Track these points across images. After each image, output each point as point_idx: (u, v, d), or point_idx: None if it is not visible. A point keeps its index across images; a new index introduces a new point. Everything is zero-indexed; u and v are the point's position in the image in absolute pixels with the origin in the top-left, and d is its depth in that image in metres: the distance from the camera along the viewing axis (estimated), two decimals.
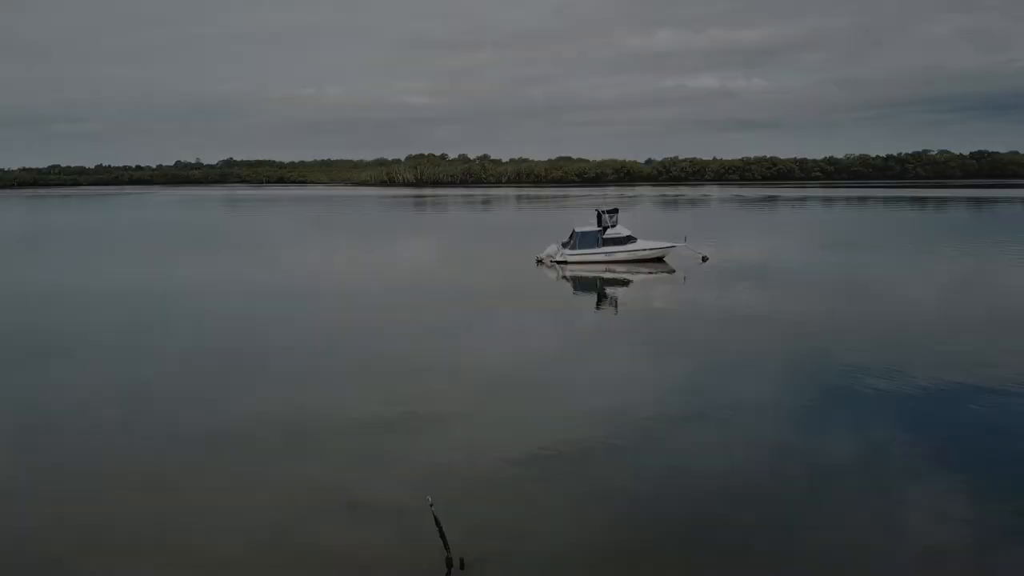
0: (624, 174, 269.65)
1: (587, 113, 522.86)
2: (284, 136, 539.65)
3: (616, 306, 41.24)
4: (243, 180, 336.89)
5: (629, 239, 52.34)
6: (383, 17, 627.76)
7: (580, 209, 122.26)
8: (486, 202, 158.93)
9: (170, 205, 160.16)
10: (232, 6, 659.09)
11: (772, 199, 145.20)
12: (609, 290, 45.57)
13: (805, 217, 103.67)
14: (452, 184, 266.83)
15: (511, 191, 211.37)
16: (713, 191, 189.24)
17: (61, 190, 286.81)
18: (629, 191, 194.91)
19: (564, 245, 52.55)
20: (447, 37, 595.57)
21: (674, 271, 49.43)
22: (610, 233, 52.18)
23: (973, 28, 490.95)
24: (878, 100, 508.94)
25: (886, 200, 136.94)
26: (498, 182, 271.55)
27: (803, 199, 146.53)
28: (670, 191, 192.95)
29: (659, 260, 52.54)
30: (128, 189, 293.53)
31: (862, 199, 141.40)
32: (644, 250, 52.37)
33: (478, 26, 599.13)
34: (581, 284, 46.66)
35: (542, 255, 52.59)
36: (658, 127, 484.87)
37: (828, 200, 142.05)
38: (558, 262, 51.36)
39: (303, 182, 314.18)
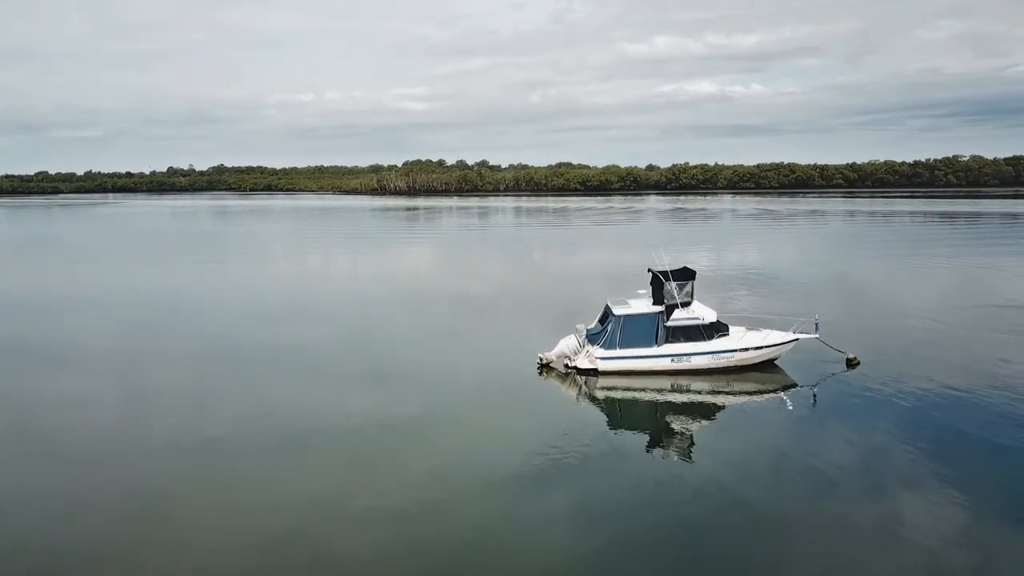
0: (630, 182, 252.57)
1: (586, 118, 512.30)
2: (281, 142, 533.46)
3: (686, 468, 21.31)
4: (230, 187, 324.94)
5: (716, 329, 29.92)
6: (382, 22, 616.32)
7: (593, 226, 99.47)
8: (482, 214, 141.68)
9: (111, 219, 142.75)
10: (232, 11, 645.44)
11: (814, 215, 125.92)
12: (676, 438, 24.29)
13: (902, 240, 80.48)
14: (447, 193, 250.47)
15: (509, 201, 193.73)
16: (729, 202, 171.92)
17: (36, 199, 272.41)
18: (638, 202, 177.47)
19: (591, 339, 30.33)
20: (446, 42, 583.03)
21: (796, 385, 28.77)
22: (679, 317, 29.62)
23: (972, 33, 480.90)
24: (876, 105, 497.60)
25: (969, 217, 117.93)
26: (496, 189, 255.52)
27: (851, 213, 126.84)
28: (683, 202, 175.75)
29: (768, 363, 30.60)
30: (111, 197, 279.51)
31: (929, 214, 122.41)
32: (744, 350, 29.85)
33: (476, 32, 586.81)
34: (626, 418, 26.28)
35: (550, 354, 30.73)
36: (657, 132, 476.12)
37: (886, 215, 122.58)
38: (581, 370, 29.74)
39: (291, 190, 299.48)
